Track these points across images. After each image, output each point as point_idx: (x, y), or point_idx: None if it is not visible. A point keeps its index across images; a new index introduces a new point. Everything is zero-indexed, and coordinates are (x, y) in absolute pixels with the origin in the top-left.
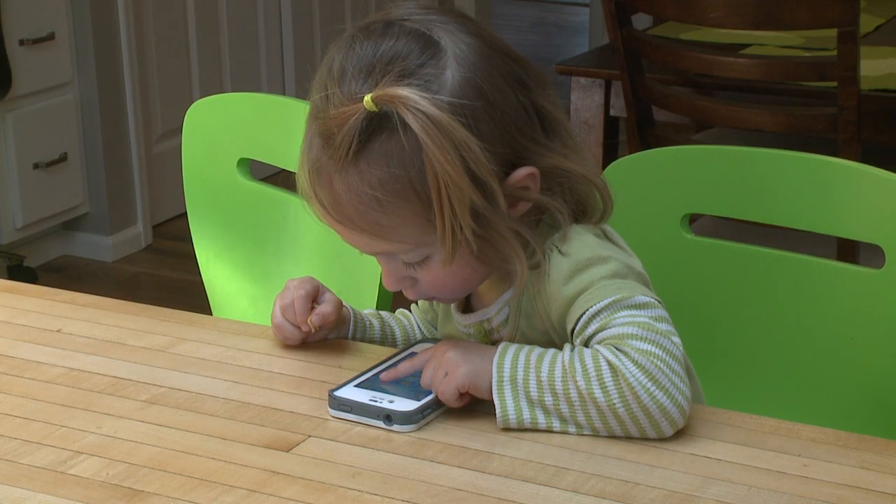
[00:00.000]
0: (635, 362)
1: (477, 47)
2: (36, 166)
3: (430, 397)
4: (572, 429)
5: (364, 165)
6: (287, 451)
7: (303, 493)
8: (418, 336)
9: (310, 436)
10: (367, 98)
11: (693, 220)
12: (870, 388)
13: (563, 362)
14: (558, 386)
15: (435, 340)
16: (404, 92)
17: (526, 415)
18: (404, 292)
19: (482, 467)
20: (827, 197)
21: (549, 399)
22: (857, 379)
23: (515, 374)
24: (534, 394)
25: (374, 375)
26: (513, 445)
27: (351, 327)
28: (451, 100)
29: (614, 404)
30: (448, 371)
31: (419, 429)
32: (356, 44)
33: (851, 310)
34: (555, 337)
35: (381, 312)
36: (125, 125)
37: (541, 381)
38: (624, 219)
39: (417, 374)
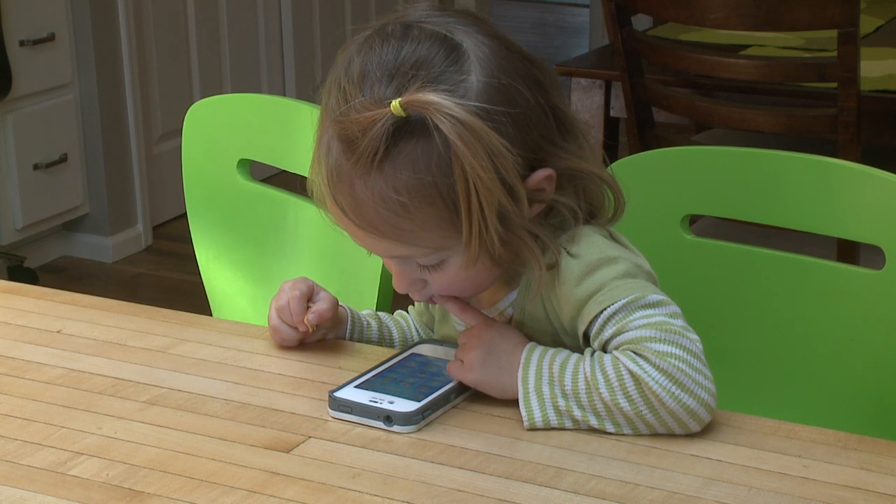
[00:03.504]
0: (656, 366)
1: (497, 50)
2: (36, 167)
3: (430, 398)
4: (598, 430)
5: (389, 171)
6: (287, 452)
7: (303, 494)
8: (415, 338)
9: (310, 437)
10: (396, 103)
11: (693, 220)
12: (870, 389)
13: (584, 373)
14: (583, 398)
15: (435, 342)
16: (435, 98)
17: (553, 420)
18: (412, 294)
19: (482, 468)
20: (827, 198)
21: (577, 412)
22: (857, 380)
23: (540, 385)
24: (561, 405)
25: (374, 376)
26: (513, 446)
27: (349, 327)
28: (480, 105)
29: (641, 412)
30: (465, 363)
31: (419, 430)
32: (375, 46)
33: (851, 310)
34: (564, 338)
35: (379, 313)
36: (125, 126)
37: (566, 394)
38: (624, 220)
39: (418, 373)
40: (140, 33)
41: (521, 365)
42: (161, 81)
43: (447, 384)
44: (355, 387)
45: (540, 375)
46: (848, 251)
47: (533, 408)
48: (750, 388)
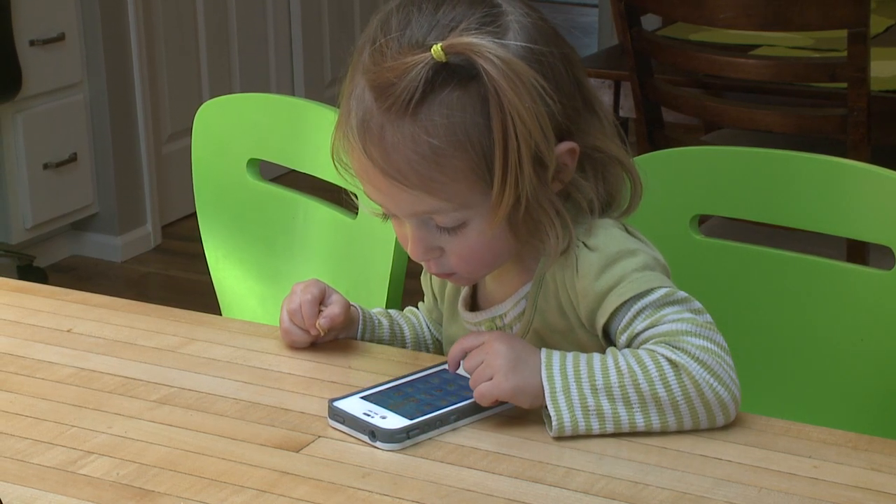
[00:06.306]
0: (695, 358)
1: (535, 19)
2: (46, 167)
3: (423, 418)
4: (626, 428)
5: (424, 114)
6: (297, 452)
7: (313, 494)
8: (426, 334)
9: (319, 436)
10: (437, 47)
11: (702, 221)
12: (880, 390)
13: (617, 367)
14: (616, 391)
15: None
16: (478, 40)
17: (581, 424)
18: (427, 265)
19: (492, 468)
20: (836, 198)
21: (606, 406)
22: (866, 380)
23: (567, 384)
24: (590, 402)
25: (389, 388)
26: (522, 446)
27: (360, 327)
28: (524, 45)
29: (677, 400)
30: (494, 376)
31: (403, 449)
32: (413, 6)
33: (861, 311)
34: (579, 332)
35: (390, 311)
36: (135, 125)
37: (596, 389)
38: (634, 219)
39: (433, 390)
40: (150, 33)
41: (542, 365)
42: (170, 81)
43: (453, 405)
44: (361, 397)
45: (565, 375)
46: (857, 251)
47: (561, 408)
48: (759, 389)
